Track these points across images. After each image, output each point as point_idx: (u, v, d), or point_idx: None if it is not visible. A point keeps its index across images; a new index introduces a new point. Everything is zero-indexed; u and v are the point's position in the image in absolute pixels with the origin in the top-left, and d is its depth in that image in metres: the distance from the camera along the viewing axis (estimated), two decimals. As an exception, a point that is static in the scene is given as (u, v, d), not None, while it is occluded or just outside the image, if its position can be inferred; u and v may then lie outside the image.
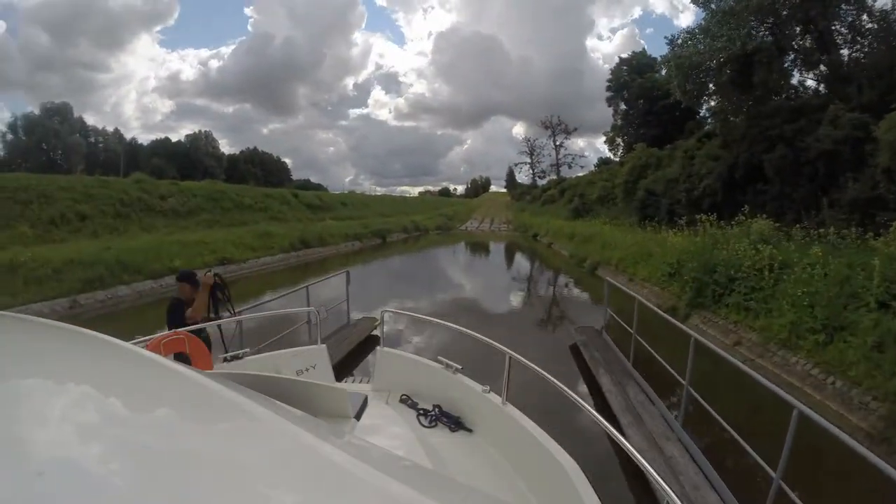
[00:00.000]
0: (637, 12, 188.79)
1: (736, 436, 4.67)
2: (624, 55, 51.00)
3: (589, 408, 2.52)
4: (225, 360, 3.97)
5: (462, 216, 70.18)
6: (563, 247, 30.85)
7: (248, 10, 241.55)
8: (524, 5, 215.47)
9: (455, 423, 3.08)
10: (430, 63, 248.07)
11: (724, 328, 10.87)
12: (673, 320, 6.93)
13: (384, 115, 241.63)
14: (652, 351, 7.23)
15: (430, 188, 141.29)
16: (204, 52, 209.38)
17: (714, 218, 15.46)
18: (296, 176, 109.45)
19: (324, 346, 4.39)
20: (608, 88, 49.44)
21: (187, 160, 78.99)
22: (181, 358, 3.39)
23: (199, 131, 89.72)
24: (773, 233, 12.73)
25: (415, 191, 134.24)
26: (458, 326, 3.78)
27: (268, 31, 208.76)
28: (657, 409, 6.37)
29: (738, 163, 18.90)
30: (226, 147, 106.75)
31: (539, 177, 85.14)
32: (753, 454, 4.38)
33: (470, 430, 3.05)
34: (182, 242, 20.26)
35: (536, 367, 2.94)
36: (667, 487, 1.71)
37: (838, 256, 9.82)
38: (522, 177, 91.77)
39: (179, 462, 0.90)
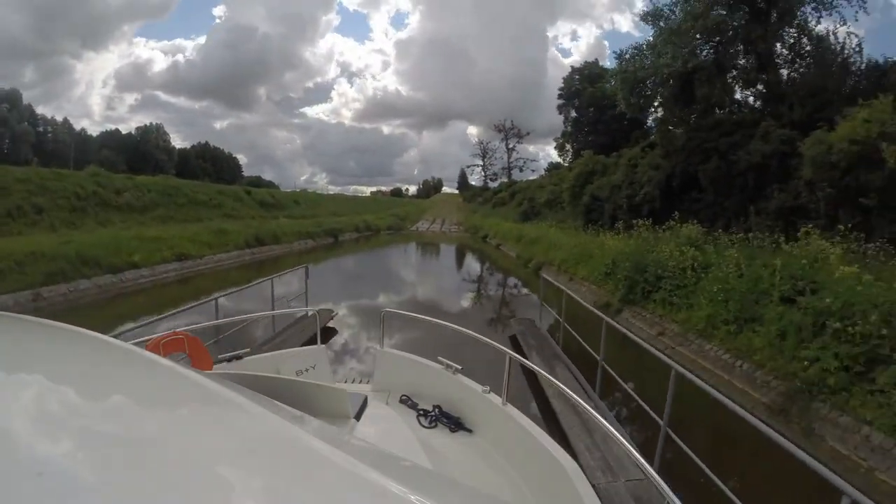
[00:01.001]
0: (605, 26, 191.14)
1: (633, 394, 5.78)
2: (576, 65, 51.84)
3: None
4: (225, 360, 4.00)
5: (413, 217, 71.06)
6: (510, 248, 31.79)
7: (216, 10, 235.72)
8: (491, 15, 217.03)
9: (455, 424, 3.15)
10: (393, 66, 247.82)
11: (651, 321, 11.88)
12: (590, 306, 8.34)
13: (343, 115, 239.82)
14: (573, 332, 8.33)
15: (383, 188, 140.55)
16: (167, 47, 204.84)
17: (650, 223, 16.64)
18: (252, 172, 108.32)
19: (323, 346, 4.43)
20: (560, 96, 50.31)
21: (137, 153, 77.45)
22: (181, 358, 3.42)
23: (150, 124, 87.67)
24: (700, 237, 13.78)
25: (368, 191, 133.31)
26: (457, 326, 3.95)
27: (237, 26, 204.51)
28: (579, 382, 7.28)
29: (676, 172, 19.92)
30: (178, 141, 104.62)
31: (491, 179, 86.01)
32: (646, 407, 5.36)
33: (470, 431, 3.13)
34: (140, 237, 20.21)
35: (535, 367, 3.30)
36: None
37: (756, 259, 10.80)
38: (474, 179, 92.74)
39: (180, 462, 0.92)
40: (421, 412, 3.27)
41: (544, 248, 24.48)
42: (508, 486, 2.54)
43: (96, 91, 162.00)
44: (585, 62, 51.73)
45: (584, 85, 46.34)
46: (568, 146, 50.31)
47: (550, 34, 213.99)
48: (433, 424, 3.17)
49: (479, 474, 2.67)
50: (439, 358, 3.52)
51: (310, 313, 8.81)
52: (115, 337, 1.91)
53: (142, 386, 1.37)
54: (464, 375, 3.40)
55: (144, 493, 0.79)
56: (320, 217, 44.22)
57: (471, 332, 3.76)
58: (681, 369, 4.67)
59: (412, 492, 0.93)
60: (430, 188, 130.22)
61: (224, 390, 1.31)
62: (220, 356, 4.12)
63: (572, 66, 51.49)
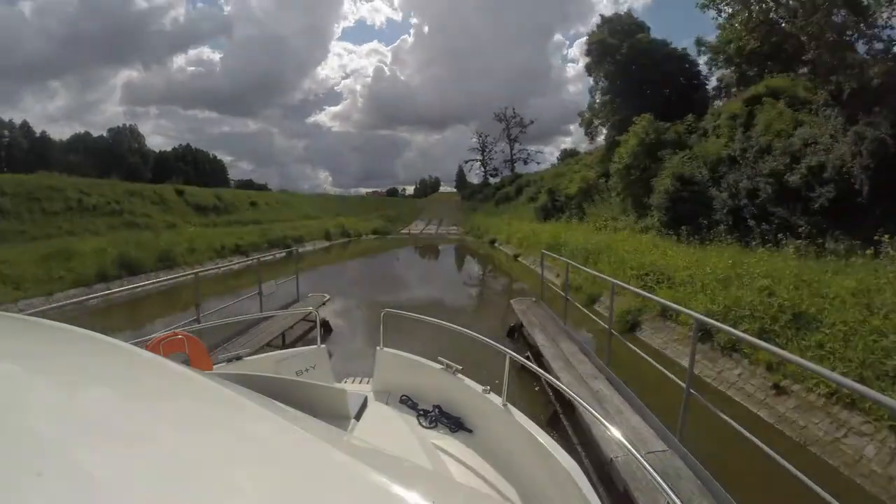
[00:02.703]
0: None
1: (648, 358, 6.86)
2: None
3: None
4: (224, 360, 4.65)
5: (407, 217, 78.94)
6: (537, 260, 26.15)
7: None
8: (496, 22, 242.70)
9: (455, 424, 3.70)
10: (397, 72, 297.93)
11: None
12: (593, 272, 10.28)
13: (347, 119, 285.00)
14: (577, 304, 10.00)
15: (378, 189, 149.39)
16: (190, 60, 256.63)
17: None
18: (258, 177, 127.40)
19: (324, 346, 5.16)
20: (588, 52, 47.00)
21: (110, 156, 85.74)
22: (180, 358, 3.87)
23: (123, 125, 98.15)
24: None
25: (364, 192, 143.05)
26: (457, 327, 4.53)
27: (251, 39, 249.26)
28: (586, 356, 8.46)
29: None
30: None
31: (491, 175, 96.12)
32: (664, 370, 6.33)
33: (470, 431, 3.65)
34: None
35: (536, 367, 3.68)
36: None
37: None
38: (473, 176, 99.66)
39: (179, 462, 1.08)
40: (421, 412, 3.85)
41: (616, 266, 18.10)
42: (509, 487, 2.96)
43: (116, 103, 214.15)
44: (616, 14, 47.85)
45: (620, 39, 43.00)
46: (597, 121, 48.61)
47: (556, 38, 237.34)
48: (433, 425, 3.73)
49: (479, 475, 3.08)
50: (439, 358, 4.10)
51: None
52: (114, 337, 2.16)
53: (142, 386, 1.65)
54: (464, 375, 3.94)
55: (144, 494, 0.94)
56: (282, 221, 45.39)
57: (471, 332, 4.33)
58: (703, 317, 5.51)
59: (412, 492, 1.11)
60: (427, 187, 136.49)
61: (224, 390, 1.58)
62: (219, 356, 4.92)
63: (601, 16, 47.86)
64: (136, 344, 2.96)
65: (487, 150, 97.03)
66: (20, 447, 1.03)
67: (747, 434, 4.69)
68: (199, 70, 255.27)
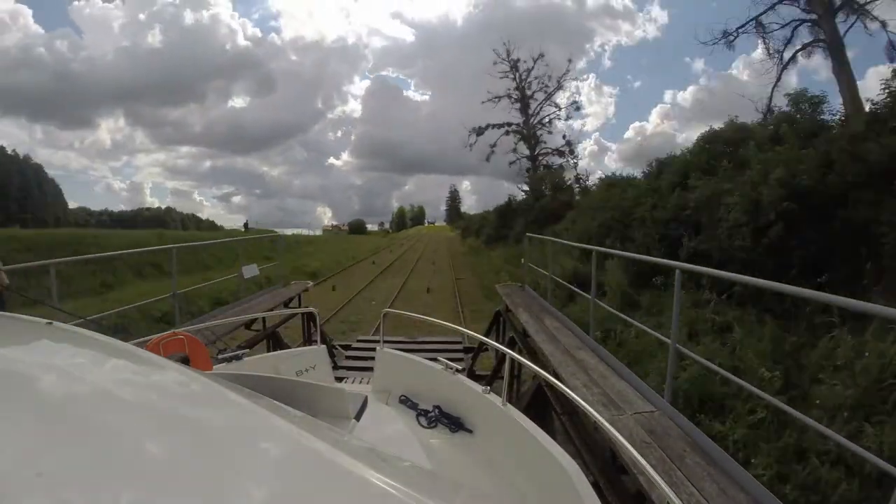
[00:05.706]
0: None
1: (628, 319, 6.93)
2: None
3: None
4: (224, 360, 4.49)
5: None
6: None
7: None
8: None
9: (455, 424, 3.56)
10: (400, 114, 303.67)
11: None
12: (573, 243, 10.28)
13: (346, 161, 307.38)
14: (559, 279, 9.98)
15: (338, 224, 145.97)
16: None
17: None
18: (263, 208, 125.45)
19: (323, 346, 5.14)
20: None
21: None
22: (180, 358, 3.76)
23: None
24: None
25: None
26: (457, 326, 4.66)
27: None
28: (570, 330, 8.53)
29: None
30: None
31: (546, 163, 49.13)
32: (648, 329, 6.44)
33: (470, 431, 3.52)
34: None
35: (534, 366, 3.75)
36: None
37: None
38: (484, 176, 74.84)
39: (179, 463, 1.10)
40: (421, 412, 3.74)
41: None
42: (508, 487, 2.87)
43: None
44: None
45: None
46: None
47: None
48: (433, 425, 3.62)
49: (479, 475, 3.03)
50: (439, 358, 3.98)
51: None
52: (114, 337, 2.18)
53: (142, 386, 1.67)
54: (464, 376, 3.85)
55: (144, 494, 0.95)
56: None
57: (471, 332, 4.45)
58: (686, 265, 5.64)
59: (413, 492, 1.11)
60: (405, 219, 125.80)
61: (224, 390, 1.56)
62: (219, 356, 4.60)
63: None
64: (136, 344, 2.93)
65: (526, 81, 49.90)
66: (19, 447, 1.04)
67: (738, 380, 4.84)
68: (223, 115, 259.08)
